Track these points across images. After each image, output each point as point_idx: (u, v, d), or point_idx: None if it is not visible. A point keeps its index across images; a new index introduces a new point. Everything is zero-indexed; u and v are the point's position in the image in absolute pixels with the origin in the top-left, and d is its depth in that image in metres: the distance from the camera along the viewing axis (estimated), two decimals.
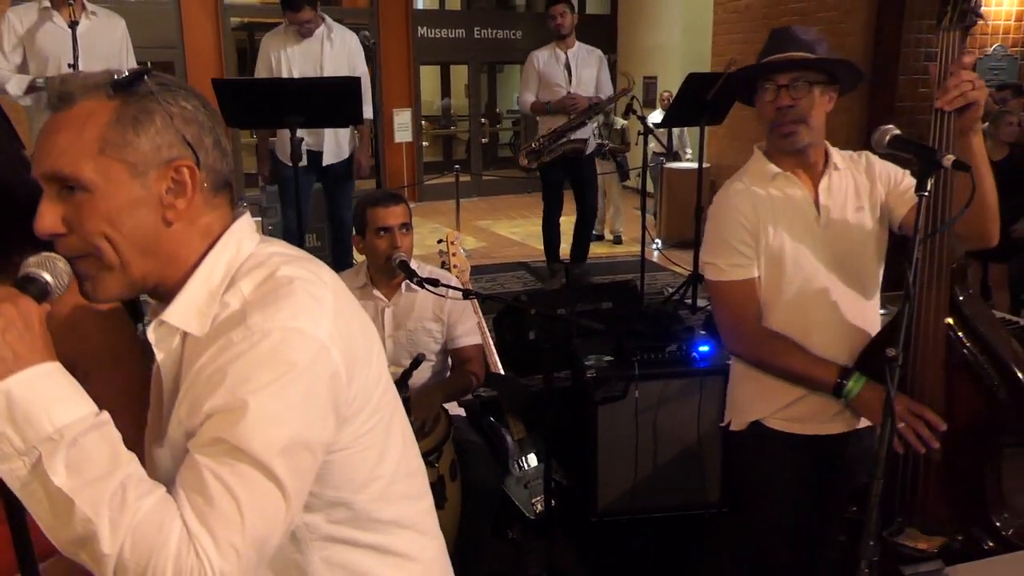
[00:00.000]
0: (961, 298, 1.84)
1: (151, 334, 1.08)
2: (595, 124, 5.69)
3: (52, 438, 0.93)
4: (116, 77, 1.05)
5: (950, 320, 1.83)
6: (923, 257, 1.79)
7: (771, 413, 2.13)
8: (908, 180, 2.03)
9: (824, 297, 2.05)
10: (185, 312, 1.05)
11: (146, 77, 1.05)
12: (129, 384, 1.30)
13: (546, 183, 5.76)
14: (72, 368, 1.27)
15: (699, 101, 4.96)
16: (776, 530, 2.16)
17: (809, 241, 2.04)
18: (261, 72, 4.82)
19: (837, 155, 2.10)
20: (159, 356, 1.08)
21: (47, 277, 1.05)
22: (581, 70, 5.57)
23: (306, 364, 1.00)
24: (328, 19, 4.90)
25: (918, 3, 5.84)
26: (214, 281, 1.06)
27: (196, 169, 1.05)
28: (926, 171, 1.61)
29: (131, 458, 0.99)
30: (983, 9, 1.89)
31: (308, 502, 1.09)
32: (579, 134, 5.49)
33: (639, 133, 5.26)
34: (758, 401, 2.16)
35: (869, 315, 2.10)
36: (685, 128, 5.96)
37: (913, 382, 1.85)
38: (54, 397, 0.96)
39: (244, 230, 1.12)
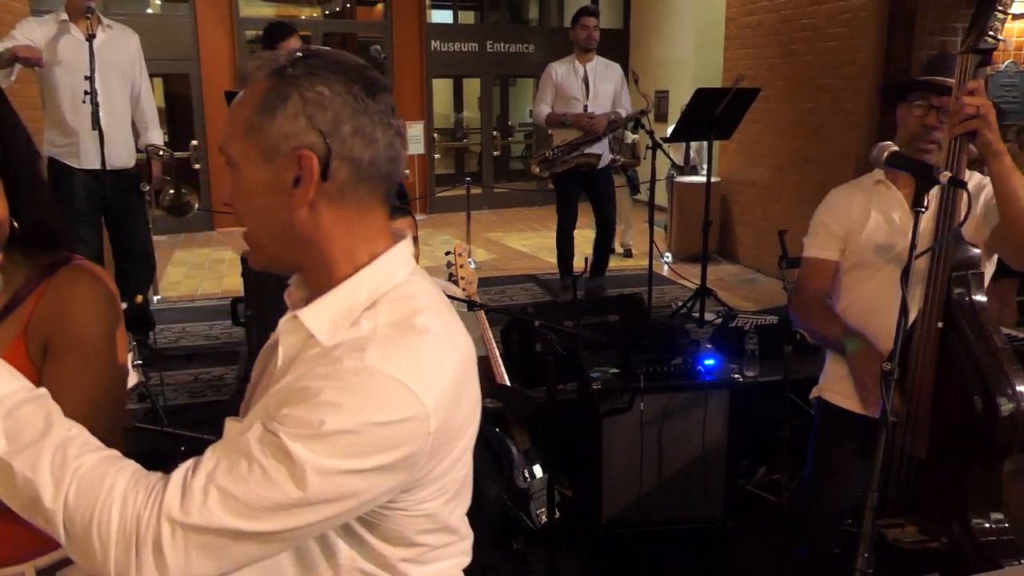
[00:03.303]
0: (959, 305, 1.87)
1: (282, 324, 1.08)
2: (609, 138, 5.72)
3: None
4: (288, 58, 1.04)
5: (942, 323, 1.88)
6: (930, 266, 1.86)
7: (827, 385, 2.35)
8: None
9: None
10: (320, 317, 1.04)
11: (295, 60, 1.03)
12: (90, 367, 1.32)
13: (560, 195, 5.78)
14: (45, 343, 1.30)
15: (708, 115, 4.99)
16: (827, 504, 2.22)
17: (892, 245, 2.20)
18: None
19: None
20: (281, 344, 1.08)
21: None
22: (599, 84, 5.60)
23: (397, 420, 0.96)
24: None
25: (929, 19, 5.85)
26: (358, 298, 1.04)
27: (316, 158, 1.01)
28: (923, 187, 1.63)
29: (72, 425, 1.01)
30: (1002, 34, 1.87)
31: (353, 538, 1.08)
32: (593, 148, 5.51)
33: (647, 147, 5.29)
34: (823, 374, 2.40)
35: None
36: (705, 142, 6.01)
37: (909, 375, 1.90)
38: None
39: (400, 257, 1.10)
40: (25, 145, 1.32)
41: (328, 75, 1.02)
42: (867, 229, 2.26)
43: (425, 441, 0.99)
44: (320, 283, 1.08)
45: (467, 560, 1.26)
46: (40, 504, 0.93)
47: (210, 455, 0.96)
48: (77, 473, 0.93)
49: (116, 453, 0.99)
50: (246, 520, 0.93)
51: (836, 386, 2.31)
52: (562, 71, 5.61)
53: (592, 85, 5.58)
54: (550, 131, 5.81)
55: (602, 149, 5.59)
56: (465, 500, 1.20)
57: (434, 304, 1.07)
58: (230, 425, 1.03)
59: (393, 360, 0.97)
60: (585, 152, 5.49)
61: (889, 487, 1.91)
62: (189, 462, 0.96)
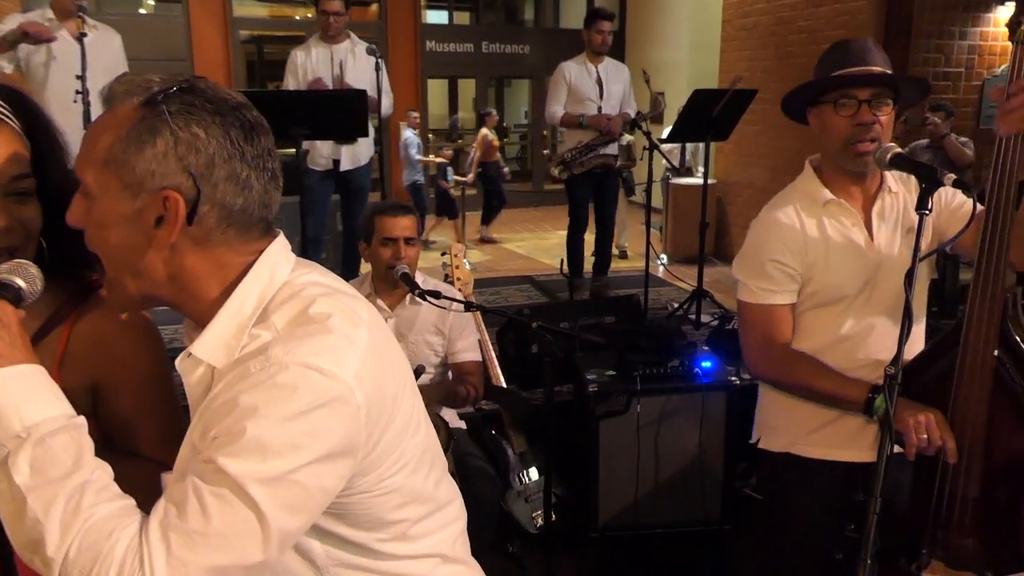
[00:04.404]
0: (1018, 335, 1.70)
1: (179, 365, 1.05)
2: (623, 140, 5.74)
3: (20, 436, 0.93)
4: (158, 88, 0.99)
5: (999, 353, 1.70)
6: (976, 284, 1.69)
7: (802, 436, 2.06)
8: (959, 199, 1.94)
9: (881, 328, 1.97)
10: (213, 345, 1.01)
11: (170, 94, 0.99)
12: (150, 399, 1.29)
13: (573, 198, 5.78)
14: (96, 383, 1.26)
15: (705, 117, 4.99)
16: (800, 556, 2.08)
17: (863, 271, 1.97)
18: (289, 83, 4.94)
19: (891, 177, 2.00)
20: (186, 385, 1.05)
21: (20, 282, 1.07)
22: (611, 85, 5.60)
23: (320, 403, 0.94)
24: (354, 36, 5.03)
25: (926, 22, 5.86)
26: (245, 313, 1.01)
27: (183, 200, 0.97)
28: (927, 190, 1.61)
29: (99, 465, 0.97)
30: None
31: (326, 535, 1.07)
32: (608, 149, 5.52)
33: (644, 148, 5.28)
34: (789, 424, 2.09)
35: (918, 339, 2.00)
36: (700, 144, 5.98)
37: (955, 408, 1.75)
38: (27, 396, 0.96)
39: (278, 255, 1.06)
40: (59, 160, 1.27)
41: (205, 115, 0.99)
42: (832, 261, 1.97)
43: (357, 417, 0.98)
44: (201, 315, 1.04)
45: (461, 523, 1.25)
46: (42, 549, 0.90)
47: (160, 505, 0.93)
48: (85, 525, 0.90)
49: (131, 504, 0.95)
50: (222, 553, 0.91)
51: (814, 437, 2.05)
52: (575, 72, 5.58)
53: (606, 86, 5.58)
54: (559, 132, 5.80)
55: (616, 150, 5.60)
56: (435, 467, 1.18)
57: (327, 290, 1.04)
58: (165, 477, 1.02)
59: (299, 350, 0.95)
60: (601, 153, 5.50)
61: (921, 525, 1.81)
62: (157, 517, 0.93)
